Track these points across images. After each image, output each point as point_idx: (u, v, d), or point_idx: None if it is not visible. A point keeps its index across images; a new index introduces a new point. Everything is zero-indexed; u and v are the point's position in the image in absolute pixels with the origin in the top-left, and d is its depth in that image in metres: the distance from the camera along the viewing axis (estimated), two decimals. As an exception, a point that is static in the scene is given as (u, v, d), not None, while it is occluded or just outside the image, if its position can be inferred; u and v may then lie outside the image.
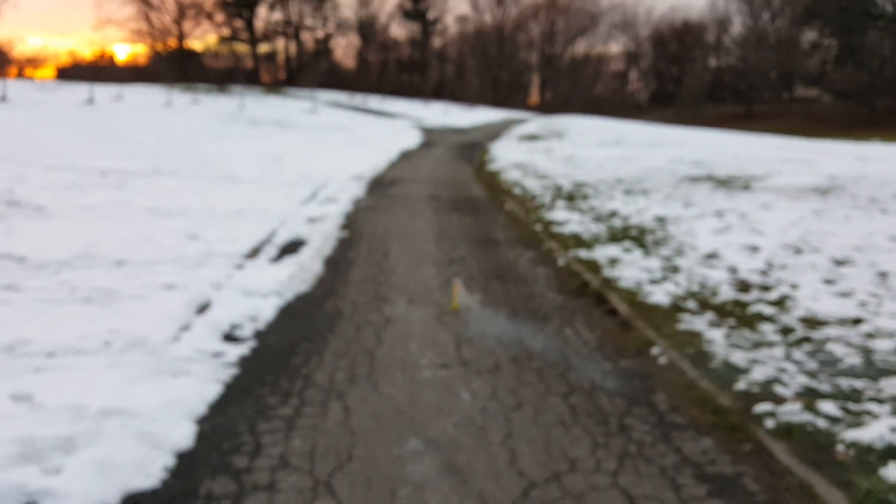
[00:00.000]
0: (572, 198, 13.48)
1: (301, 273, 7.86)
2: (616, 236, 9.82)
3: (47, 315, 5.89)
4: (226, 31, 69.64)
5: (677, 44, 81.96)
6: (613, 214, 11.57)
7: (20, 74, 60.56)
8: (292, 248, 9.15)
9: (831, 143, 33.50)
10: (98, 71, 54.75)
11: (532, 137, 30.81)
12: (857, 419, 4.21)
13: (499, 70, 76.75)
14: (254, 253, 8.76)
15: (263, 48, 73.03)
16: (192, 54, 69.30)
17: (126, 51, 70.37)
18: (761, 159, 21.61)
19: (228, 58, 71.72)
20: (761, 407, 4.39)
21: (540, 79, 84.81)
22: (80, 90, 34.25)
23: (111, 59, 70.52)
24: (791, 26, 73.35)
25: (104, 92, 34.18)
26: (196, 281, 7.16)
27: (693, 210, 11.78)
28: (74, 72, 58.94)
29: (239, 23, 69.57)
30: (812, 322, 5.97)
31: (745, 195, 13.52)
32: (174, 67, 58.99)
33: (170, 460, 3.81)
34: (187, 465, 3.78)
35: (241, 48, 71.64)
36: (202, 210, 11.19)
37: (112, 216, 10.35)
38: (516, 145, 27.32)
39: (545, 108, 72.73)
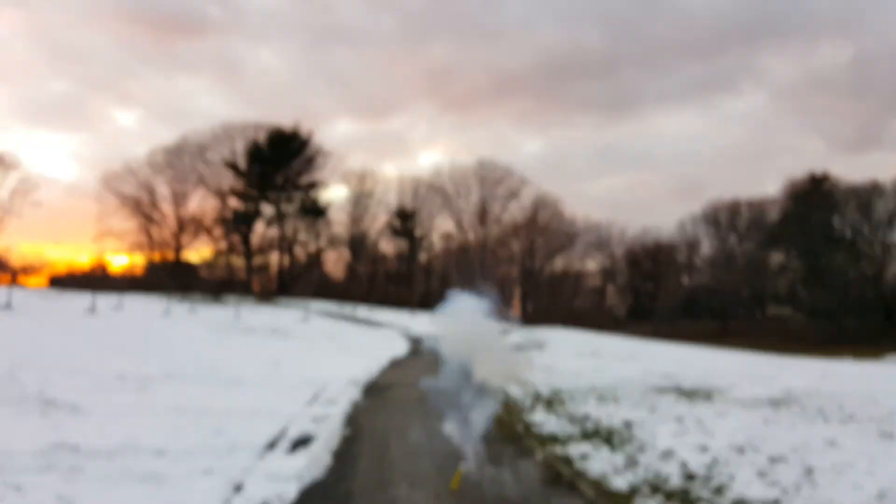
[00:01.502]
0: (551, 402, 14.93)
1: (314, 463, 9.15)
2: (588, 435, 11.20)
3: (114, 490, 7.16)
4: (223, 245, 73.58)
5: (651, 262, 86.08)
6: (587, 417, 12.98)
7: (13, 282, 62.32)
8: (303, 442, 10.45)
9: (800, 361, 35.35)
10: (93, 280, 56.40)
11: (514, 348, 32.50)
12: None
13: (481, 283, 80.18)
14: (271, 446, 10.06)
15: (258, 260, 76.67)
16: (188, 265, 72.68)
17: (122, 261, 72.90)
18: (727, 373, 23.27)
19: (223, 268, 75.12)
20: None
21: (521, 291, 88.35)
22: (79, 299, 36.18)
23: (106, 268, 72.83)
24: (758, 248, 77.88)
25: (103, 301, 35.98)
26: (228, 467, 8.45)
27: (657, 415, 13.23)
28: (68, 280, 60.83)
29: (236, 237, 73.74)
30: (740, 502, 7.31)
31: (705, 404, 15.02)
32: (171, 278, 61.69)
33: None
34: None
35: (236, 260, 75.26)
36: (220, 410, 12.52)
37: (141, 414, 11.66)
38: (499, 356, 28.86)
39: (527, 319, 75.23)
